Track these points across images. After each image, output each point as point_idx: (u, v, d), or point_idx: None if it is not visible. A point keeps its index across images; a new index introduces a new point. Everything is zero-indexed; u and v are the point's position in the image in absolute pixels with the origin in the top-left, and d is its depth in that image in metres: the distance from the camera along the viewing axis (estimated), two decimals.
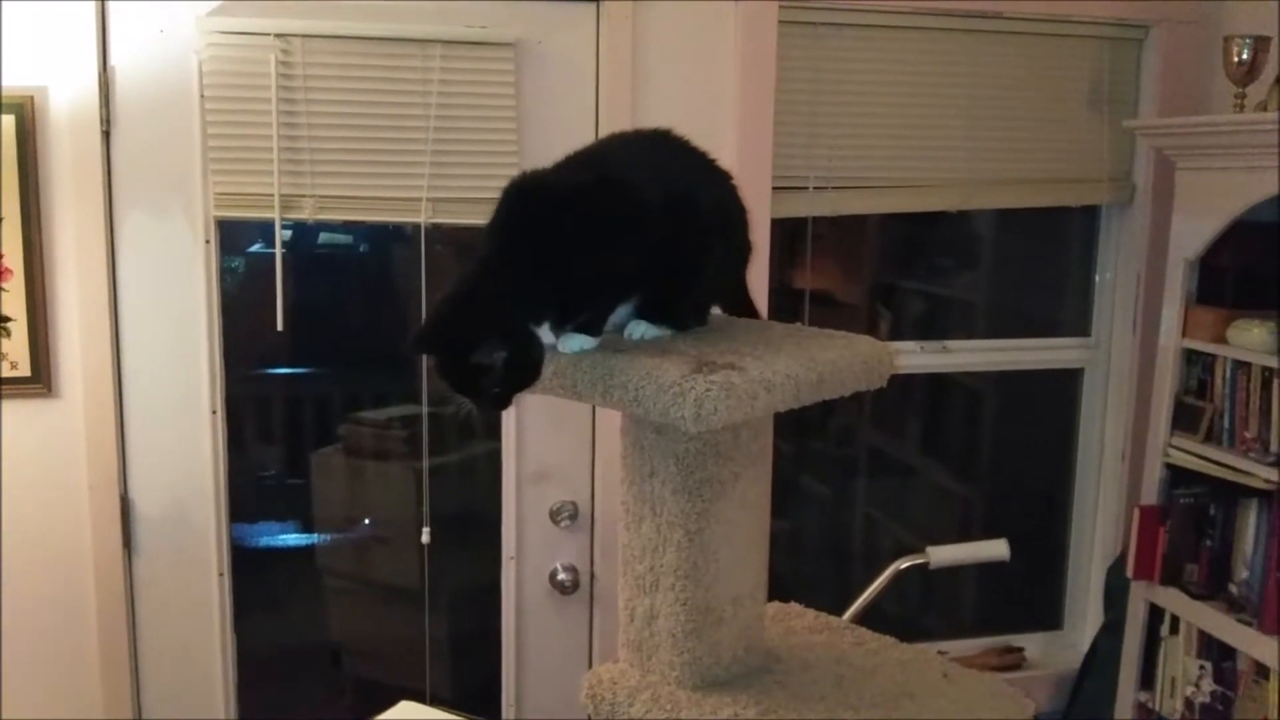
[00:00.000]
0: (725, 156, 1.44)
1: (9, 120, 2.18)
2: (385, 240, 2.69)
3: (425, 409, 2.51)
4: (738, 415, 1.19)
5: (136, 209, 2.30)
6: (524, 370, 1.24)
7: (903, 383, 2.94)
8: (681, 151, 1.40)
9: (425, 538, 2.52)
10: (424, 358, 2.49)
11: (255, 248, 2.51)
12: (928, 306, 3.14)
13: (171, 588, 2.42)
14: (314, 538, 2.81)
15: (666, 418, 1.19)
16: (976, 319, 3.10)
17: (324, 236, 2.63)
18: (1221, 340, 2.44)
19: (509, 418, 2.54)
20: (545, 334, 1.28)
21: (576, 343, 1.29)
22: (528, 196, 1.29)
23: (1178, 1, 2.79)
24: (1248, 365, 2.37)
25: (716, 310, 1.54)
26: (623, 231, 1.27)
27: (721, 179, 1.42)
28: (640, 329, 1.36)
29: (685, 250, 1.33)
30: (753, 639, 1.42)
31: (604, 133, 2.41)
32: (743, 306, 1.56)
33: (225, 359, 2.40)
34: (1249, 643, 2.34)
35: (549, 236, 1.25)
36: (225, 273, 2.41)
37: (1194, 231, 2.48)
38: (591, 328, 1.30)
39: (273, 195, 2.29)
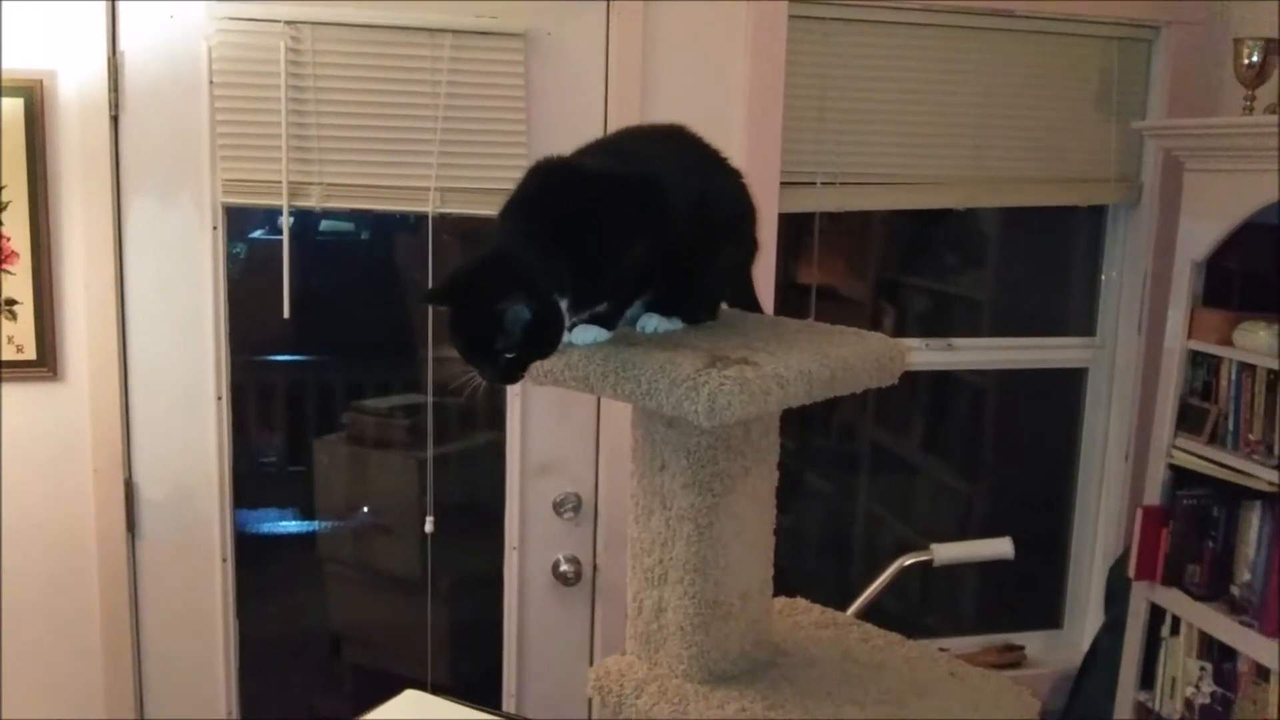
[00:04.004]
0: (734, 150, 1.45)
1: (18, 104, 2.18)
2: (389, 228, 2.69)
3: (430, 398, 2.51)
4: (751, 410, 1.18)
5: (144, 194, 2.30)
6: (543, 336, 1.21)
7: (907, 380, 2.93)
8: (696, 147, 1.41)
9: (429, 527, 2.52)
10: (430, 348, 2.50)
11: (258, 234, 2.50)
12: (933, 304, 3.14)
13: (175, 572, 2.42)
14: (316, 525, 2.82)
15: (679, 412, 1.18)
16: (982, 317, 3.11)
17: (326, 224, 2.62)
18: (1227, 342, 2.44)
19: (514, 409, 2.54)
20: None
21: (590, 335, 1.29)
22: (559, 178, 1.29)
23: (1187, 2, 2.79)
24: (1253, 368, 2.36)
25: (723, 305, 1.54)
26: (648, 224, 1.27)
27: (733, 176, 1.43)
28: (653, 322, 1.36)
29: (700, 245, 1.34)
30: (760, 633, 1.42)
31: (613, 124, 2.43)
32: (746, 300, 1.57)
33: (230, 345, 2.40)
34: (1250, 644, 2.35)
35: (578, 217, 1.24)
36: (230, 259, 2.41)
37: (1201, 233, 2.48)
38: (607, 320, 1.30)
39: (280, 182, 2.29)
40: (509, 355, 1.21)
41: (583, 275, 1.24)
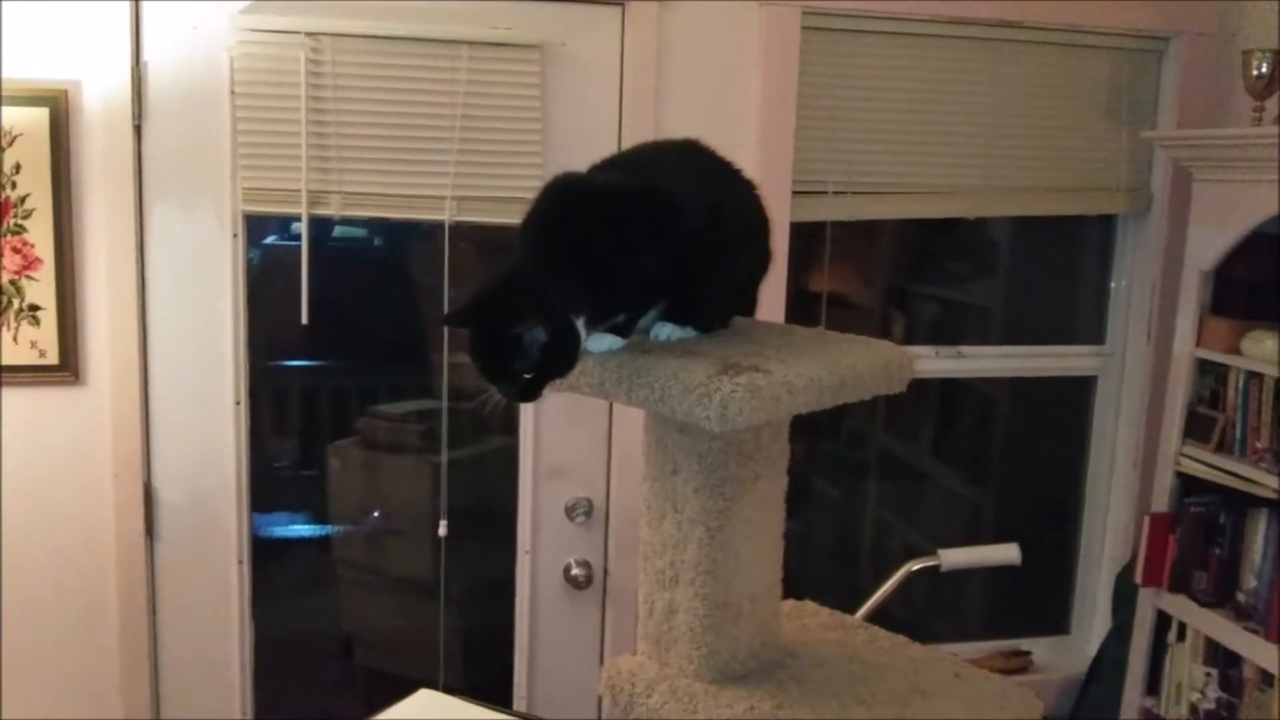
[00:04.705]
0: (746, 160, 1.47)
1: (43, 113, 2.22)
2: (405, 236, 2.72)
3: (445, 404, 2.54)
4: (761, 417, 1.21)
5: (166, 202, 2.34)
6: (560, 357, 1.25)
7: (916, 387, 2.95)
8: (711, 161, 1.44)
9: (442, 531, 2.55)
10: (445, 354, 2.54)
11: (271, 239, 2.53)
12: (943, 312, 3.16)
13: (192, 574, 2.46)
14: (331, 529, 2.85)
15: (691, 417, 1.21)
16: (991, 325, 3.13)
17: (340, 231, 2.65)
18: (1235, 351, 2.45)
19: (526, 414, 2.57)
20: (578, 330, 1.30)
21: (605, 343, 1.32)
22: (571, 196, 1.32)
23: (1198, 14, 2.81)
24: (1260, 376, 2.38)
25: None
26: (661, 236, 1.29)
27: (748, 188, 1.46)
28: (666, 330, 1.39)
29: (715, 256, 1.36)
30: (769, 635, 1.44)
31: (627, 134, 2.46)
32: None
33: (248, 351, 2.43)
34: (1255, 650, 2.36)
35: (591, 235, 1.27)
36: (247, 265, 2.44)
37: (1209, 243, 2.50)
38: (622, 329, 1.33)
39: (300, 191, 2.33)
40: (527, 375, 1.24)
41: (598, 292, 1.27)
